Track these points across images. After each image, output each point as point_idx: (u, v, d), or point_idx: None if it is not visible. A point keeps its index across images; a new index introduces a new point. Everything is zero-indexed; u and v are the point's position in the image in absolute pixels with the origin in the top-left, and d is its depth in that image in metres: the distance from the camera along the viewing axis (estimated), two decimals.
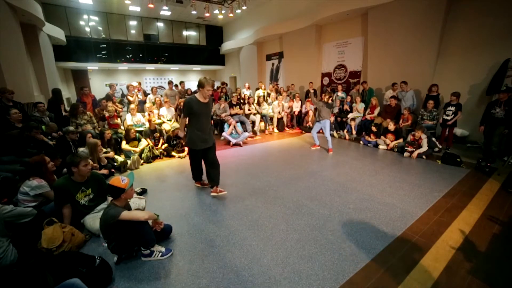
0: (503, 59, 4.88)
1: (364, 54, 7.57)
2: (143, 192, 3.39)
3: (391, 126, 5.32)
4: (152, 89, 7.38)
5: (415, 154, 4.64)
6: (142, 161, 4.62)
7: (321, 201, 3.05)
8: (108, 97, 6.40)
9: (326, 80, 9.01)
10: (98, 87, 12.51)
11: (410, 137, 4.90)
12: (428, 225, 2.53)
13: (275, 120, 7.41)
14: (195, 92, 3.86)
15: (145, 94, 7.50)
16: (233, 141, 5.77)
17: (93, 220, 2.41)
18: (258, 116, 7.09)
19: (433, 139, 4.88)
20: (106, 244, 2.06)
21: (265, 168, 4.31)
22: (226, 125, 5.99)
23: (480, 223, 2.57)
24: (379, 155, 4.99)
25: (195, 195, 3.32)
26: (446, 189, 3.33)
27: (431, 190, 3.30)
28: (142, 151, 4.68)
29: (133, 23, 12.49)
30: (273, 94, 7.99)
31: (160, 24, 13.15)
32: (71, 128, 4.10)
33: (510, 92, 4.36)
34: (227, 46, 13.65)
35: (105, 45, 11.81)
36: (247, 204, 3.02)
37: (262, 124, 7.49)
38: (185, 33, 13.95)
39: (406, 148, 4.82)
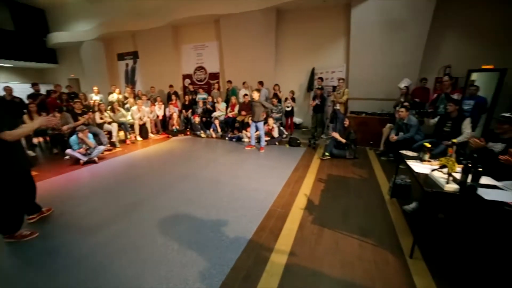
0: (311, 67, 6.85)
1: (220, 57, 8.17)
2: None
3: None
4: None
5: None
6: None
7: (197, 202, 3.02)
8: None
9: (187, 82, 9.01)
10: None
11: (265, 128, 5.83)
12: (285, 198, 3.11)
13: (136, 127, 6.54)
14: None
15: None
16: (83, 158, 4.57)
17: None
18: (115, 124, 6.01)
19: (281, 128, 6.10)
20: None
21: (131, 183, 3.72)
22: (72, 140, 4.60)
23: (314, 185, 3.47)
24: (242, 148, 5.59)
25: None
26: (294, 166, 4.26)
27: (284, 169, 4.10)
28: None
29: None
30: (131, 100, 7.06)
31: None
32: None
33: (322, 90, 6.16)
34: (59, 38, 10.45)
35: None
36: (115, 230, 2.48)
37: (122, 133, 6.45)
38: None
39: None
